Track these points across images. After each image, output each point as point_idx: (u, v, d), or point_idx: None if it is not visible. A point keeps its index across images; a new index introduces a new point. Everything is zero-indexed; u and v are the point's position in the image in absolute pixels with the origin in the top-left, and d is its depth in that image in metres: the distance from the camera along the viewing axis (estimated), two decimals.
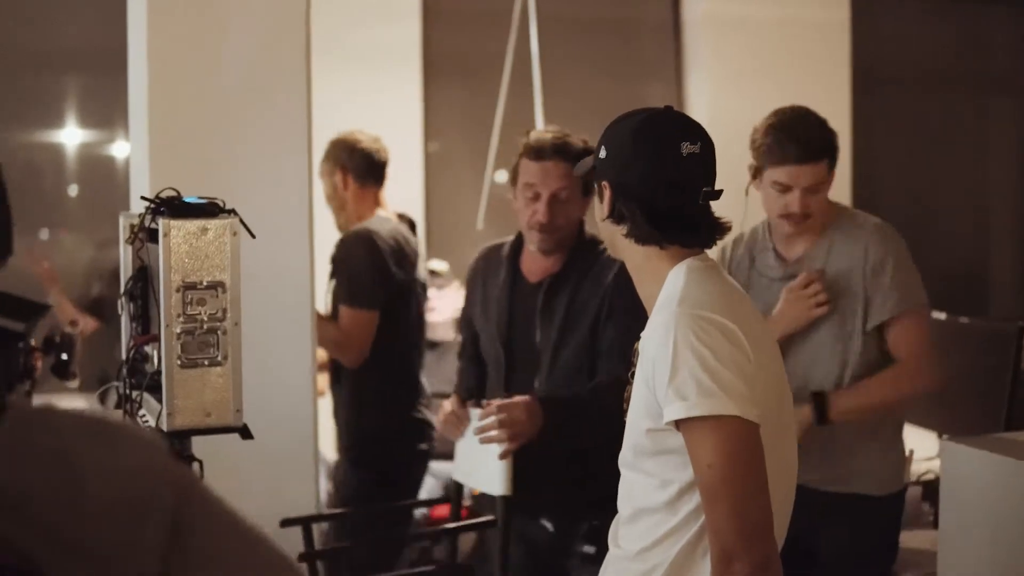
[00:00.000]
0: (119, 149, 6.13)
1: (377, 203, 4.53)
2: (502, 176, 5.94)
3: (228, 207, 2.61)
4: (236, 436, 2.58)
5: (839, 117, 6.54)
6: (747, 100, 6.37)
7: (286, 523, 3.57)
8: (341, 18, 5.91)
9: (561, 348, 3.57)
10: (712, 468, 2.17)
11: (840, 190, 5.73)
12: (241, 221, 2.57)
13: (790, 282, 3.50)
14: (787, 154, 3.40)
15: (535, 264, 3.68)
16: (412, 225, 4.67)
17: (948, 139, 7.58)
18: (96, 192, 5.87)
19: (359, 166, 4.46)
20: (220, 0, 3.84)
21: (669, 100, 6.56)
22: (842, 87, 6.77)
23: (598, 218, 2.46)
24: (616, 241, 2.44)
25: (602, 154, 2.40)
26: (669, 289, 2.33)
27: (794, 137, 3.41)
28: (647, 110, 2.44)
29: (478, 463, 3.54)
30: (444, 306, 5.78)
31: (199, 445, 2.63)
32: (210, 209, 2.57)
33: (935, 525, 4.05)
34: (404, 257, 4.38)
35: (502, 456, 3.40)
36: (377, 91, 6.13)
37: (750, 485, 2.18)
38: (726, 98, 6.46)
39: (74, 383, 2.91)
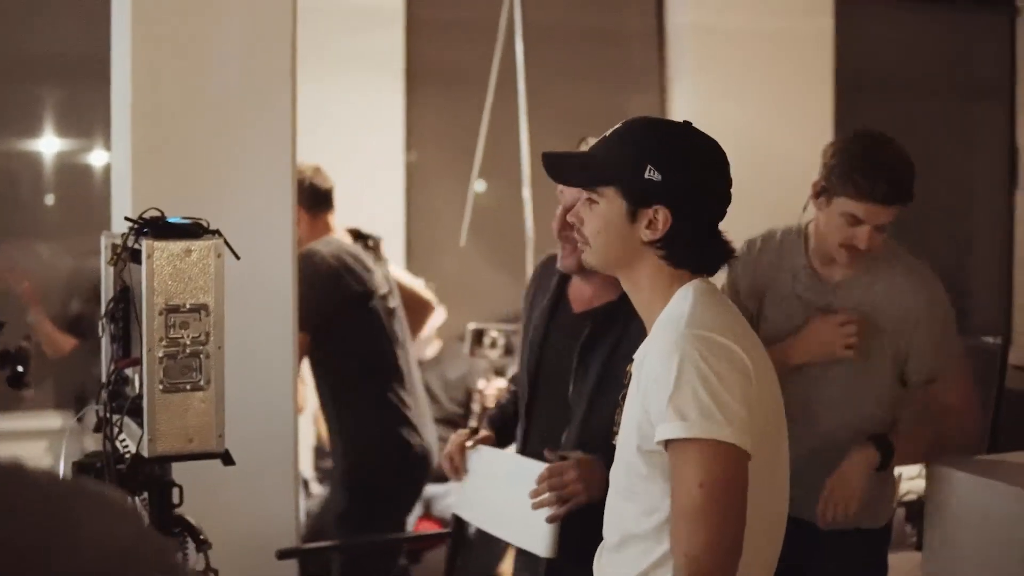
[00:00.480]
0: (100, 159, 6.07)
1: (328, 228, 4.56)
2: (480, 186, 5.94)
3: (212, 227, 2.57)
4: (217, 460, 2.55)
5: (822, 125, 6.57)
6: (731, 109, 6.40)
7: (283, 555, 3.56)
8: (324, 26, 5.87)
9: (596, 406, 3.14)
10: (701, 490, 2.14)
11: None
12: (226, 242, 2.53)
13: (822, 308, 3.38)
14: (875, 192, 3.20)
15: (578, 290, 3.29)
16: (373, 241, 4.65)
17: (932, 147, 7.57)
18: (76, 204, 5.81)
19: (307, 198, 4.46)
20: (205, 11, 3.80)
21: (652, 110, 6.58)
22: (825, 95, 6.75)
23: (638, 237, 2.34)
24: (632, 257, 2.36)
25: (655, 176, 2.30)
26: (675, 309, 2.31)
27: (886, 177, 3.21)
28: (681, 126, 2.42)
29: (515, 515, 3.15)
30: None
31: (179, 466, 2.60)
32: (194, 230, 2.54)
33: (918, 547, 4.04)
34: (349, 273, 4.36)
35: (550, 520, 3.03)
36: (359, 100, 6.10)
37: (731, 514, 2.17)
38: (710, 107, 6.45)
39: (29, 392, 2.91)
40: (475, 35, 5.90)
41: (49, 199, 6.26)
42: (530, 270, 5.16)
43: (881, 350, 3.39)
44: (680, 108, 6.68)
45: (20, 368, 2.98)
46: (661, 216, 2.31)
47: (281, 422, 3.83)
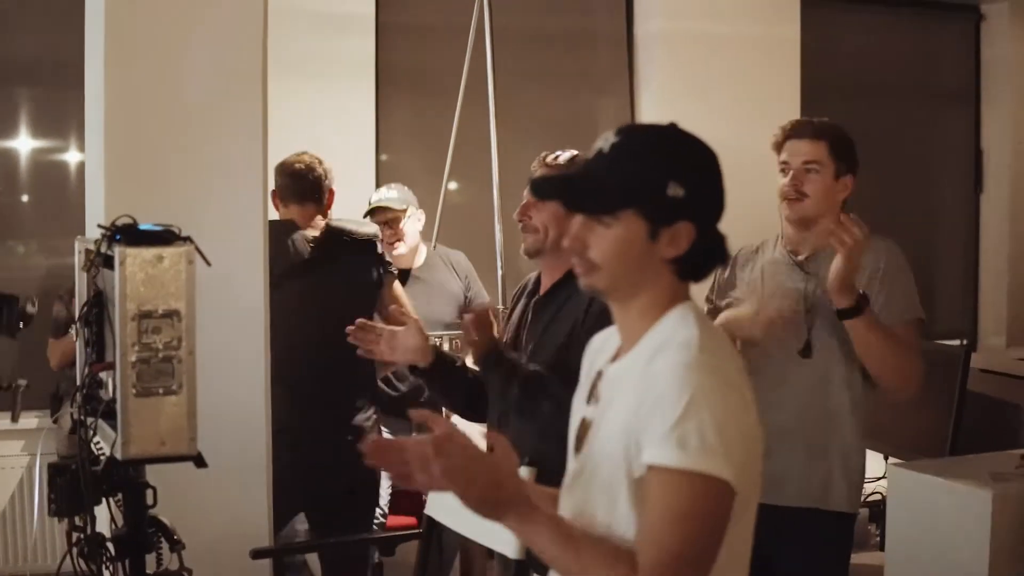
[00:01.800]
0: (75, 161, 6.10)
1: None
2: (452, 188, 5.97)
3: (185, 232, 2.61)
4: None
5: None
6: (699, 114, 6.43)
7: (257, 555, 3.59)
8: (295, 31, 5.90)
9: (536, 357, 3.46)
10: (684, 523, 2.03)
11: None
12: (197, 248, 2.57)
13: (791, 283, 3.67)
14: (789, 130, 3.71)
15: (543, 274, 3.58)
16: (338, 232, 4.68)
17: (897, 151, 7.65)
18: (52, 205, 5.83)
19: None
20: (177, 17, 3.83)
21: (622, 115, 6.66)
22: (792, 101, 6.80)
23: (658, 256, 2.19)
24: (646, 276, 2.22)
25: (679, 192, 2.16)
26: (680, 332, 2.18)
27: (797, 119, 3.78)
28: (684, 132, 2.25)
29: None
30: None
31: (154, 467, 2.64)
32: (166, 236, 2.57)
33: (881, 547, 4.10)
34: (277, 258, 4.31)
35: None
36: (331, 104, 6.13)
37: (710, 551, 2.07)
38: (679, 112, 6.33)
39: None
40: (445, 39, 5.94)
41: (27, 201, 6.27)
42: (500, 271, 5.21)
43: (843, 332, 3.54)
44: (648, 113, 6.74)
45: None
46: (684, 232, 2.17)
47: (255, 423, 3.87)
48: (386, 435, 5.20)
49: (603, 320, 2.40)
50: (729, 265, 3.81)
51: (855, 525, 3.74)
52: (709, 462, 2.02)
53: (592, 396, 2.34)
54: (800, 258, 3.70)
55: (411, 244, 5.41)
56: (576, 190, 2.27)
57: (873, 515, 4.93)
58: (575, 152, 3.48)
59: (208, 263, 2.59)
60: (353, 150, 6.16)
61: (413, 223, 5.41)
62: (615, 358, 2.32)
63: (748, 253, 3.86)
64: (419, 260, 5.49)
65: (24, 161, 6.14)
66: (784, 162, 3.70)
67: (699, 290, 3.81)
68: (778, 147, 3.73)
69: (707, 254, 2.23)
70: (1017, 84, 7.77)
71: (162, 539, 2.69)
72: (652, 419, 2.06)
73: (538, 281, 3.60)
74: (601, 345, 2.45)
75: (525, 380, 3.35)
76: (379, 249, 4.68)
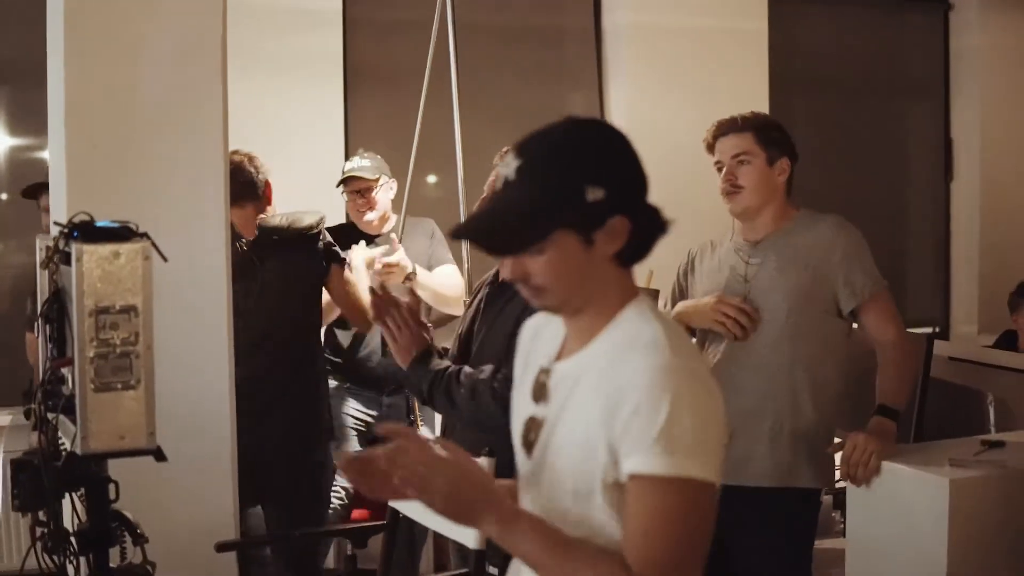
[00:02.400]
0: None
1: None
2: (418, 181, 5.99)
3: (145, 228, 2.63)
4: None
5: None
6: (667, 107, 6.49)
7: (222, 548, 3.62)
8: (262, 27, 5.92)
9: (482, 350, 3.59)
10: (676, 526, 2.03)
11: None
12: (153, 244, 2.59)
13: (744, 268, 3.80)
14: (713, 133, 3.87)
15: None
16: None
17: (866, 144, 7.70)
18: (31, 205, 5.83)
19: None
20: (136, 16, 3.84)
21: (590, 108, 6.68)
22: (760, 95, 6.83)
23: (598, 257, 2.14)
24: (592, 278, 2.17)
25: (598, 195, 2.08)
26: (643, 331, 2.14)
27: (718, 122, 3.90)
28: (583, 126, 2.20)
29: None
30: None
31: (119, 462, 2.66)
32: (123, 233, 2.59)
33: (845, 534, 4.14)
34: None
35: None
36: (300, 100, 6.15)
37: (701, 550, 2.07)
38: (647, 106, 6.54)
39: None
40: (413, 34, 5.95)
41: (4, 198, 6.30)
42: (467, 263, 5.24)
43: (824, 290, 3.71)
44: (616, 106, 6.74)
45: None
46: (618, 226, 2.12)
47: (219, 417, 3.89)
48: (353, 405, 5.24)
49: None
50: (689, 259, 3.91)
51: (819, 504, 3.87)
52: (696, 466, 2.02)
53: (540, 394, 2.30)
54: (752, 245, 3.83)
55: (380, 213, 5.45)
56: (496, 235, 2.17)
57: (837, 502, 4.96)
58: None
59: (164, 259, 2.61)
60: (322, 146, 6.18)
61: (385, 192, 5.45)
62: (561, 355, 2.29)
63: (705, 246, 3.93)
64: (387, 228, 5.53)
65: (0, 159, 6.15)
66: (717, 161, 3.86)
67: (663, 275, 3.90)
68: (710, 149, 3.85)
69: (646, 232, 2.18)
70: (986, 74, 7.81)
71: (126, 533, 2.71)
72: (632, 427, 2.03)
73: (497, 272, 3.64)
74: (536, 333, 2.43)
75: (446, 386, 3.41)
76: (323, 238, 4.70)
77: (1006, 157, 7.81)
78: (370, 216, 5.38)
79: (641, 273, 2.33)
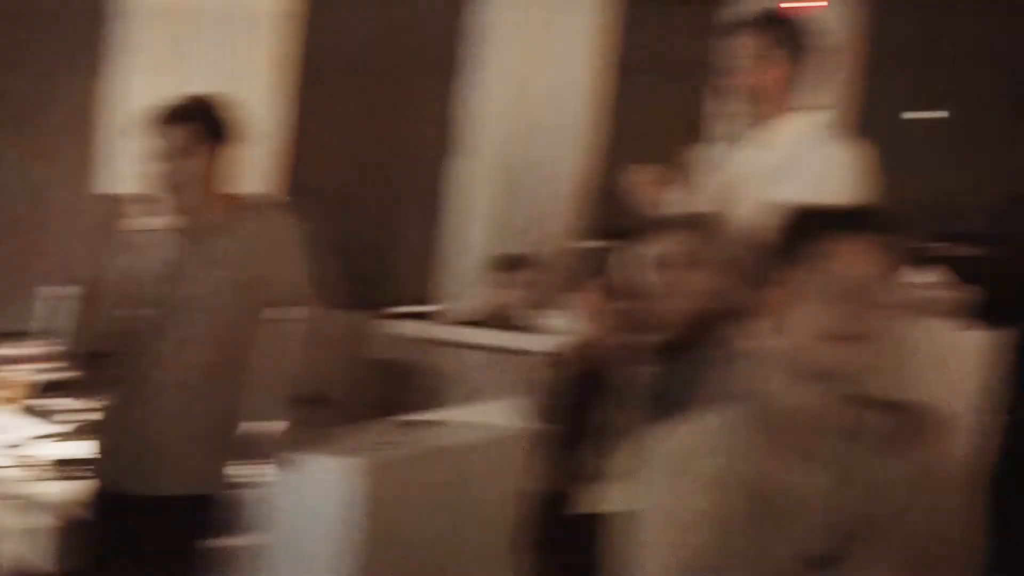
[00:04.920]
0: None
1: None
2: None
3: None
4: None
5: (282, 108, 6.55)
6: (180, 91, 6.07)
7: None
8: None
9: None
10: None
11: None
12: None
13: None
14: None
15: None
16: None
17: (382, 125, 7.75)
18: None
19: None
20: None
21: (90, 94, 6.20)
22: (287, 77, 6.62)
23: None
24: None
25: None
26: None
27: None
28: None
29: None
30: None
31: None
32: None
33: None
34: None
35: None
36: None
37: None
38: (155, 90, 6.08)
39: None
40: None
41: None
42: None
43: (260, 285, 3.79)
44: (121, 91, 6.15)
45: None
46: None
47: None
48: None
49: None
50: None
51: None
52: None
53: None
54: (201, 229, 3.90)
55: None
56: None
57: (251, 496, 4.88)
58: None
59: None
60: None
61: None
62: None
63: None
64: None
65: None
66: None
67: None
68: None
69: None
70: (499, 50, 7.68)
71: None
72: None
73: None
74: None
75: None
76: None
77: (512, 134, 7.70)
78: None
79: None
